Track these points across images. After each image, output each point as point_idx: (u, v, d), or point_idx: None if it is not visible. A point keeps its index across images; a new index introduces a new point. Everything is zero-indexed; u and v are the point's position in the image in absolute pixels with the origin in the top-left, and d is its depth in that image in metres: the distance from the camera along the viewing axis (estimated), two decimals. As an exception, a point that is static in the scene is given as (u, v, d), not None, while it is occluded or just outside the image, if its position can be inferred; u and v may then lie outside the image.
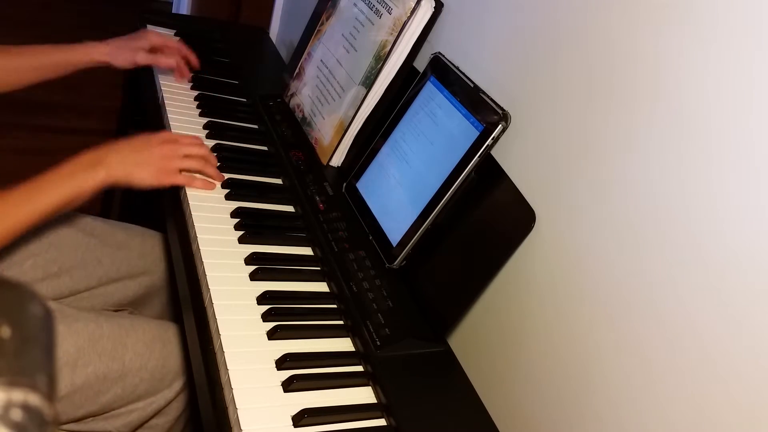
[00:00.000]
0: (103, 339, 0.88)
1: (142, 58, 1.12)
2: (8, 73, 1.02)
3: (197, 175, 0.95)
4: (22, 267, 0.97)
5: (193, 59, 1.23)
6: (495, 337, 0.85)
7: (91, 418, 0.91)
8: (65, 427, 0.89)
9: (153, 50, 1.16)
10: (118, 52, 1.11)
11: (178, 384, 0.96)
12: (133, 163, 0.87)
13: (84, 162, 0.85)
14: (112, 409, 0.91)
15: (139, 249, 1.12)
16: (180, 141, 0.94)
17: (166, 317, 1.18)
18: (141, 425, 0.96)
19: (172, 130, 1.07)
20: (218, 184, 0.98)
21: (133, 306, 1.13)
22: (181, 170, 0.93)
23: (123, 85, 1.46)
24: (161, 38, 1.17)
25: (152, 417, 0.96)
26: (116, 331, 0.90)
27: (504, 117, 0.81)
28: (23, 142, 2.03)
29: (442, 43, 1.00)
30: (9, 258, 0.95)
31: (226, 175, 1.00)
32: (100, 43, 1.10)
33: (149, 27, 1.39)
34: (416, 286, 0.87)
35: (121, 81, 1.49)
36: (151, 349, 0.93)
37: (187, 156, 0.94)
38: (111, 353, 0.88)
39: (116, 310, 1.11)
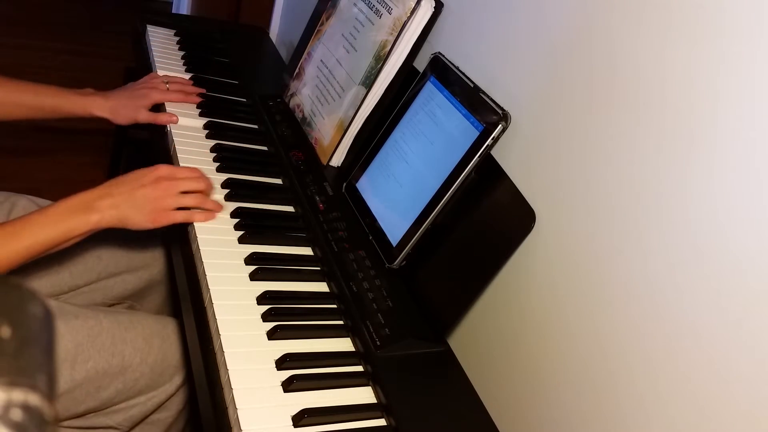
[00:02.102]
0: (102, 335, 0.89)
1: (144, 116, 1.10)
2: (7, 106, 1.02)
3: (196, 210, 0.90)
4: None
5: (195, 96, 1.19)
6: (495, 337, 0.85)
7: (92, 414, 0.91)
8: (67, 423, 0.90)
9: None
10: (120, 110, 1.09)
11: (178, 378, 0.97)
12: (127, 206, 0.83)
13: (76, 205, 0.81)
14: (113, 404, 0.92)
15: (139, 243, 1.12)
16: (176, 176, 0.87)
17: (165, 311, 1.20)
18: (142, 420, 0.97)
19: (172, 131, 1.07)
20: (217, 183, 0.98)
21: (132, 299, 1.14)
22: (178, 207, 0.88)
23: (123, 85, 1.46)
24: (163, 95, 1.14)
25: (153, 412, 0.97)
26: (115, 327, 0.91)
27: (504, 117, 0.81)
28: (23, 142, 2.04)
29: (442, 43, 1.00)
30: None
31: (227, 175, 1.00)
32: (102, 98, 1.09)
33: (149, 27, 1.39)
34: (416, 286, 0.87)
35: (122, 82, 1.49)
36: (150, 344, 0.93)
37: (183, 193, 0.88)
38: (110, 349, 0.89)
39: (116, 304, 1.12)
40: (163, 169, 0.87)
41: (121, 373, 0.90)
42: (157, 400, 0.95)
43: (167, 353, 0.95)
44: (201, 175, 0.91)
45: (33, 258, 0.79)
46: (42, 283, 1.00)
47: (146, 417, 0.97)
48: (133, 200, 0.83)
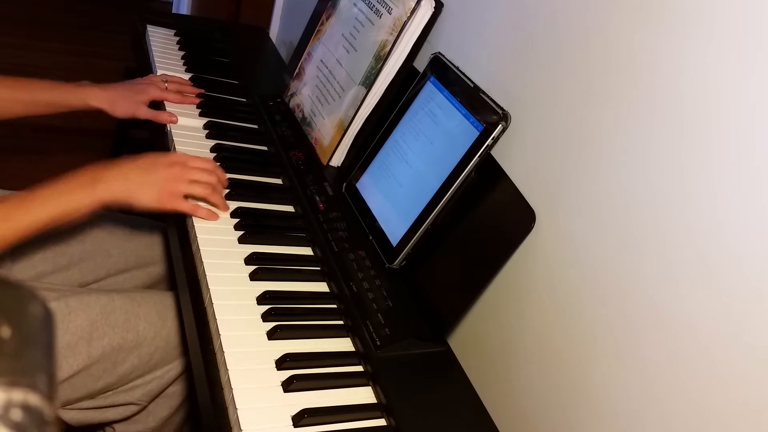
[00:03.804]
0: (116, 311, 0.90)
1: (143, 113, 1.08)
2: (3, 103, 1.00)
3: (202, 204, 0.90)
4: (31, 260, 0.98)
5: (193, 97, 1.18)
6: (495, 337, 0.85)
7: (111, 391, 0.92)
8: (86, 404, 0.91)
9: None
10: (118, 103, 1.07)
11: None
12: (137, 182, 0.82)
13: (83, 178, 0.80)
14: (130, 380, 0.93)
15: (147, 240, 1.13)
16: (189, 164, 0.88)
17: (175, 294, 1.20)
18: (160, 393, 0.97)
19: (172, 131, 1.07)
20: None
21: None
22: (186, 195, 0.88)
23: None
24: (161, 92, 1.12)
25: (170, 384, 0.98)
26: (128, 303, 0.92)
27: (504, 117, 0.81)
28: (23, 142, 2.04)
29: (442, 43, 1.00)
30: (18, 251, 0.95)
31: (227, 175, 1.00)
32: (99, 88, 1.07)
33: (149, 27, 1.39)
34: (416, 286, 0.87)
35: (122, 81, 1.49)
36: (164, 318, 0.95)
37: (194, 181, 0.88)
38: (124, 324, 0.90)
39: None
40: (178, 155, 0.88)
41: (137, 348, 0.91)
42: (173, 373, 0.97)
43: (181, 326, 0.95)
44: (214, 168, 0.91)
45: (40, 231, 0.78)
46: (51, 281, 1.00)
47: (163, 390, 0.98)
48: (144, 176, 0.83)
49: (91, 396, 0.91)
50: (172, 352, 0.95)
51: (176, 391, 1.00)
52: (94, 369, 0.88)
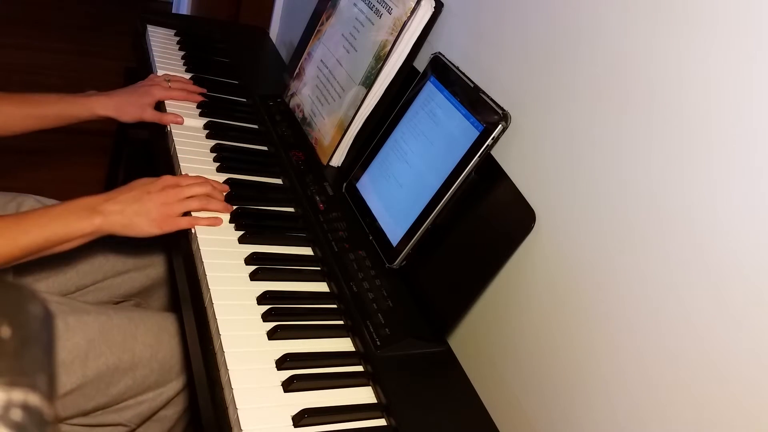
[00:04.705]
0: (114, 331, 0.90)
1: (149, 115, 1.10)
2: (11, 119, 1.01)
3: (201, 214, 0.90)
4: (28, 263, 0.98)
5: (197, 95, 1.19)
6: (495, 337, 0.85)
7: (101, 411, 0.92)
8: (76, 421, 0.90)
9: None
10: (125, 108, 1.09)
11: (186, 374, 0.97)
12: (133, 213, 0.83)
13: (79, 206, 0.81)
14: (122, 400, 0.92)
15: (146, 241, 1.12)
16: (181, 183, 0.89)
17: (172, 308, 1.20)
18: (150, 416, 0.97)
19: (172, 131, 1.07)
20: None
21: (139, 297, 1.15)
22: (183, 213, 0.88)
23: (124, 85, 1.46)
24: (165, 92, 1.14)
25: (162, 408, 0.98)
26: (126, 324, 0.92)
27: (504, 117, 0.81)
28: (23, 141, 2.03)
29: (442, 43, 1.00)
30: None
31: (227, 175, 1.00)
32: (105, 97, 1.08)
33: (149, 27, 1.39)
34: (416, 286, 0.87)
35: (122, 82, 1.49)
36: (160, 340, 0.94)
37: (189, 197, 0.89)
38: (121, 345, 0.90)
39: (122, 302, 1.12)
40: (168, 178, 0.89)
41: (131, 369, 0.91)
42: (165, 396, 0.96)
43: (176, 349, 0.96)
44: (205, 181, 0.92)
45: (33, 254, 0.78)
46: (49, 283, 1.00)
47: (154, 413, 0.97)
48: (140, 206, 0.84)
49: (82, 414, 0.90)
50: (166, 375, 0.95)
51: (168, 416, 0.99)
52: (88, 389, 0.87)
